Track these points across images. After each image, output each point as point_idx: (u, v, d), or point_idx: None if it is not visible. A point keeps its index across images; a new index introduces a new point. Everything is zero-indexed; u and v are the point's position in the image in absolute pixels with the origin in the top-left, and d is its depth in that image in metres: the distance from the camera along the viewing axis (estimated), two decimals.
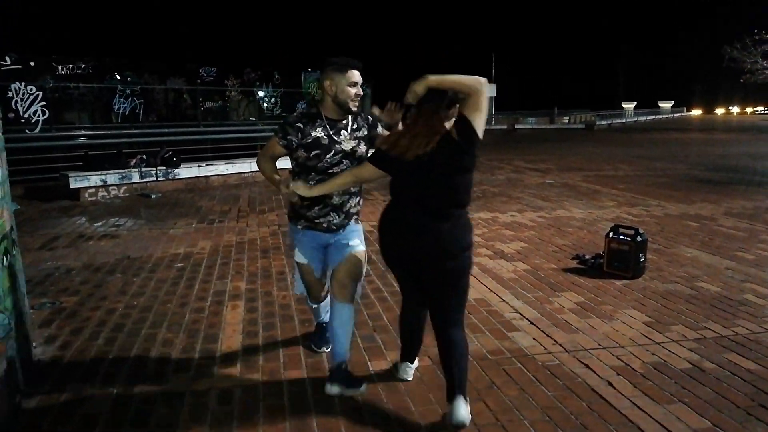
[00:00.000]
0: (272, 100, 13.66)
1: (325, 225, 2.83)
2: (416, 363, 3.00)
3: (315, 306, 3.16)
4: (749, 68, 29.91)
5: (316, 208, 2.79)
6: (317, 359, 3.21)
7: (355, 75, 2.68)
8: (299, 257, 2.93)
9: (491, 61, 39.68)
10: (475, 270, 4.85)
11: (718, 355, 3.25)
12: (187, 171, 9.75)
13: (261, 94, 14.51)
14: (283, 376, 3.01)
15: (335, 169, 2.74)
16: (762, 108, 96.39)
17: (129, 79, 11.72)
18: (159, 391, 2.86)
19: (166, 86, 12.56)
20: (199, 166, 10.00)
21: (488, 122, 38.28)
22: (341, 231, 2.87)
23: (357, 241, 2.89)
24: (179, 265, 5.12)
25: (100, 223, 6.96)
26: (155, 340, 3.48)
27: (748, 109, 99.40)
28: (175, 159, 9.44)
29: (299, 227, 2.87)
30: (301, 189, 2.65)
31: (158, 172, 9.34)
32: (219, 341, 3.47)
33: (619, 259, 4.70)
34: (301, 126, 2.73)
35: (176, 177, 9.58)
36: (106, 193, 8.85)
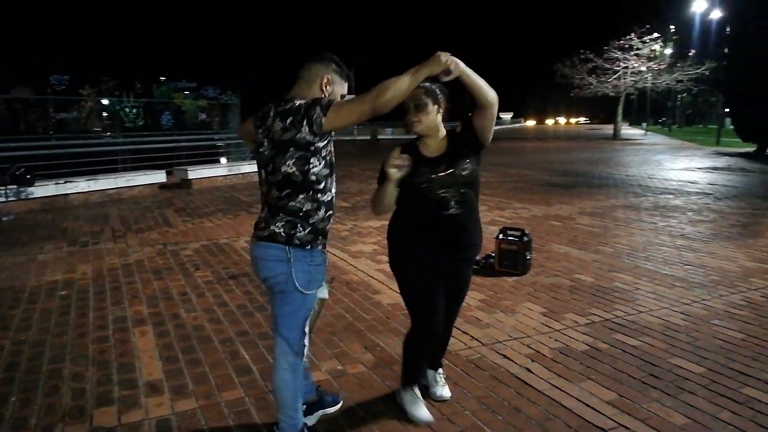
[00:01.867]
0: (134, 110, 12.76)
1: None
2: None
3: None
4: (578, 83, 33.76)
5: (330, 213, 2.29)
6: (251, 377, 3.15)
7: (345, 89, 2.34)
8: (324, 291, 2.41)
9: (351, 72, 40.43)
10: (382, 277, 5.03)
11: (608, 336, 3.73)
12: (43, 189, 8.82)
13: (110, 103, 13.50)
14: (221, 398, 2.92)
15: None
16: (584, 118, 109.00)
17: None
18: (85, 431, 2.63)
19: (10, 95, 11.21)
20: (57, 183, 9.09)
21: (351, 132, 39.15)
22: None
23: None
24: (62, 293, 4.68)
25: None
26: (62, 376, 3.18)
27: (573, 120, 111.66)
28: (28, 176, 8.49)
29: (320, 249, 2.27)
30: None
31: (8, 191, 8.34)
32: (137, 370, 3.26)
33: (508, 258, 5.15)
34: None
35: (30, 196, 8.62)
36: None
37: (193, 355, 3.45)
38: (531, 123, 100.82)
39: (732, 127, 36.11)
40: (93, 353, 3.48)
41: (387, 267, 5.25)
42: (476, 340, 3.68)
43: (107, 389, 3.03)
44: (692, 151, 23.97)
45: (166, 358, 3.40)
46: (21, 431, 2.62)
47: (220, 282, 4.93)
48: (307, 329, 2.31)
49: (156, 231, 7.15)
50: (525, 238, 5.13)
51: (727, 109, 30.54)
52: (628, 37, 31.42)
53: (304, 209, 2.17)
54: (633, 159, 19.46)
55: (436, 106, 2.47)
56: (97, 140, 11.83)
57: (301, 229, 2.17)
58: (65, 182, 9.21)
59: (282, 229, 2.17)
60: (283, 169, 2.15)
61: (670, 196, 10.21)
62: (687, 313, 4.16)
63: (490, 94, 2.33)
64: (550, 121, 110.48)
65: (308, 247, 2.20)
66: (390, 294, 4.56)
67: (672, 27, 37.47)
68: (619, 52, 31.86)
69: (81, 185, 9.39)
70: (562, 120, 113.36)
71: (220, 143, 13.47)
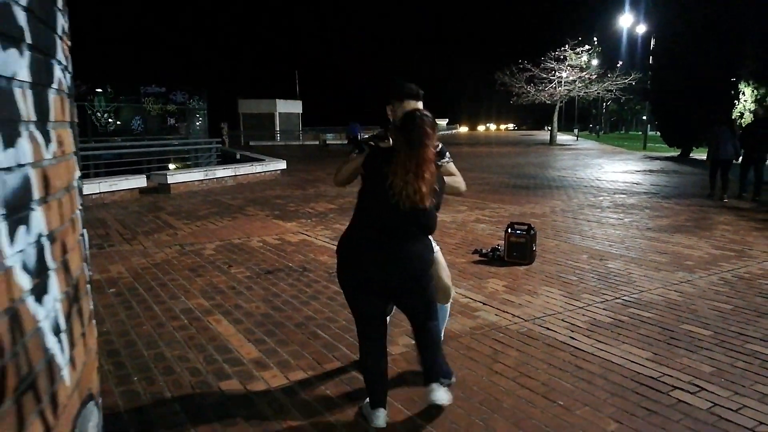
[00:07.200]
0: (105, 115, 12.62)
1: None
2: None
3: None
4: (516, 92, 35.43)
5: None
6: (341, 353, 3.57)
7: (411, 105, 2.77)
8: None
9: (295, 79, 40.70)
10: None
11: (624, 311, 4.39)
12: None
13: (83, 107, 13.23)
14: (324, 369, 3.34)
15: None
16: (512, 125, 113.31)
17: None
18: (213, 403, 2.99)
19: None
20: None
21: (298, 138, 39.17)
22: None
23: None
24: (111, 290, 4.89)
25: None
26: (167, 358, 3.49)
27: (503, 126, 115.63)
28: None
29: None
30: None
31: None
32: (234, 351, 3.61)
33: (517, 250, 5.77)
34: None
35: None
36: None
37: (277, 337, 3.83)
38: (464, 129, 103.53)
39: (653, 133, 39.13)
40: (183, 339, 3.79)
41: None
42: (517, 317, 4.25)
43: (219, 367, 3.37)
44: (625, 156, 25.79)
45: (254, 341, 3.76)
46: (163, 404, 2.95)
47: (260, 277, 5.27)
48: None
49: (164, 233, 7.31)
50: (532, 232, 5.77)
51: (650, 116, 33.08)
52: (562, 48, 33.35)
53: None
54: (575, 163, 20.81)
55: None
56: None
57: None
58: None
59: None
60: None
61: (624, 196, 11.24)
62: (679, 290, 4.90)
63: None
64: (481, 128, 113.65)
65: None
66: None
67: (595, 39, 40.00)
68: (555, 63, 33.74)
69: None
70: (492, 126, 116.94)
71: (188, 148, 13.47)
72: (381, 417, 2.69)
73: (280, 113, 39.86)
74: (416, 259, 2.64)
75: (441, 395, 2.76)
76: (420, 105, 2.83)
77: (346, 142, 30.43)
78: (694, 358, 3.50)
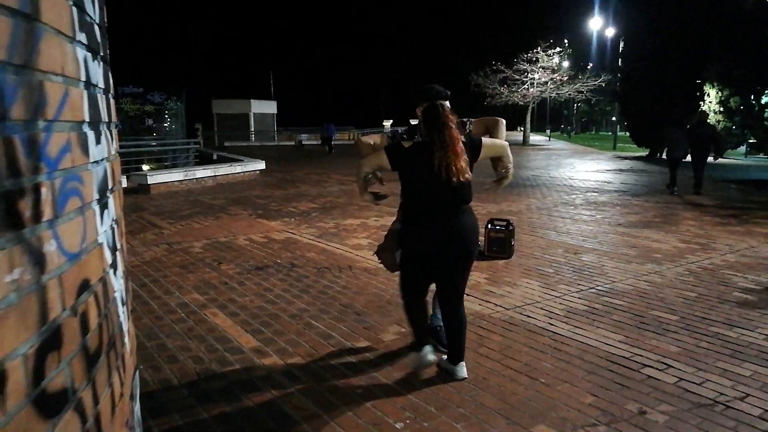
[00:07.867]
0: None
1: None
2: None
3: None
4: (490, 93, 35.93)
5: None
6: (336, 340, 3.78)
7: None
8: None
9: (270, 79, 40.61)
10: None
11: (597, 299, 4.69)
12: None
13: None
14: (319, 354, 3.54)
15: None
16: None
17: None
18: (219, 388, 3.17)
19: None
20: None
21: (273, 138, 39.09)
22: None
23: None
24: None
25: None
26: (169, 348, 3.65)
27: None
28: None
29: None
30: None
31: None
32: (233, 341, 3.78)
33: (497, 245, 6.04)
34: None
35: None
36: None
37: (274, 327, 4.02)
38: None
39: (623, 133, 40.18)
40: (183, 331, 3.95)
41: None
42: (499, 306, 4.51)
43: (220, 355, 3.55)
44: (596, 156, 26.47)
45: (251, 331, 3.94)
46: (171, 389, 3.12)
47: (250, 273, 5.44)
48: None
49: (149, 233, 7.40)
50: (510, 227, 6.05)
51: (619, 117, 33.96)
52: (534, 50, 33.98)
53: None
54: (549, 162, 21.31)
55: None
56: None
57: None
58: None
59: None
60: None
61: (596, 194, 11.66)
62: (648, 281, 5.22)
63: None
64: None
65: None
66: None
67: (566, 41, 40.90)
68: (527, 64, 34.36)
69: None
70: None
71: (166, 148, 13.46)
72: (430, 352, 3.20)
73: (254, 114, 39.79)
74: (470, 231, 3.14)
75: (465, 371, 3.25)
76: (447, 105, 3.11)
77: (320, 142, 30.98)
78: (662, 340, 3.80)
